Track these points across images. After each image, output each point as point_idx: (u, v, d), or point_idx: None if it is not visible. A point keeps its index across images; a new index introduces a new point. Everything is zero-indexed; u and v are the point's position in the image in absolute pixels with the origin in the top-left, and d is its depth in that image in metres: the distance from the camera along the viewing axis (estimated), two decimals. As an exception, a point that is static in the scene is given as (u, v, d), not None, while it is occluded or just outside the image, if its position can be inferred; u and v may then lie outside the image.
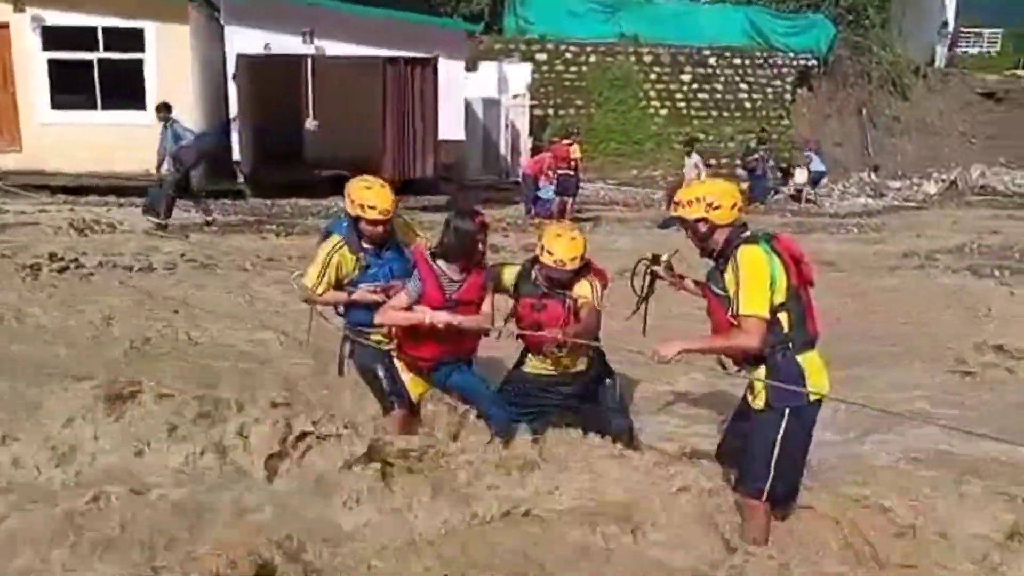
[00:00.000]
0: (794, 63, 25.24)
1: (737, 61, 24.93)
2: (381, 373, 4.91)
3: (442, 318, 4.51)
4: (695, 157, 18.03)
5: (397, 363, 4.93)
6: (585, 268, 4.69)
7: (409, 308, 4.61)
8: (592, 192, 20.80)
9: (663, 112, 24.57)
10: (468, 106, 19.51)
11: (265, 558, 3.58)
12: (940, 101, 26.68)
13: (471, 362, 5.00)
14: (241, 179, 17.83)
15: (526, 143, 21.74)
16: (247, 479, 4.49)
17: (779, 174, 22.28)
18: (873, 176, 24.22)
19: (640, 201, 20.28)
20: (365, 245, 4.80)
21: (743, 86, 24.93)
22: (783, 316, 3.75)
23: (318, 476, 4.47)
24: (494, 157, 21.68)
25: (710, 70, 24.83)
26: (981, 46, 30.79)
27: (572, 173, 16.88)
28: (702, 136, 24.41)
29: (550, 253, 4.53)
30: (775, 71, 25.12)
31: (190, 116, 17.06)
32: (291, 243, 12.93)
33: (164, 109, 13.71)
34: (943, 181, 23.87)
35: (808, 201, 20.76)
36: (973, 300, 10.22)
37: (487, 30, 23.67)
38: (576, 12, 24.56)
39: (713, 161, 23.99)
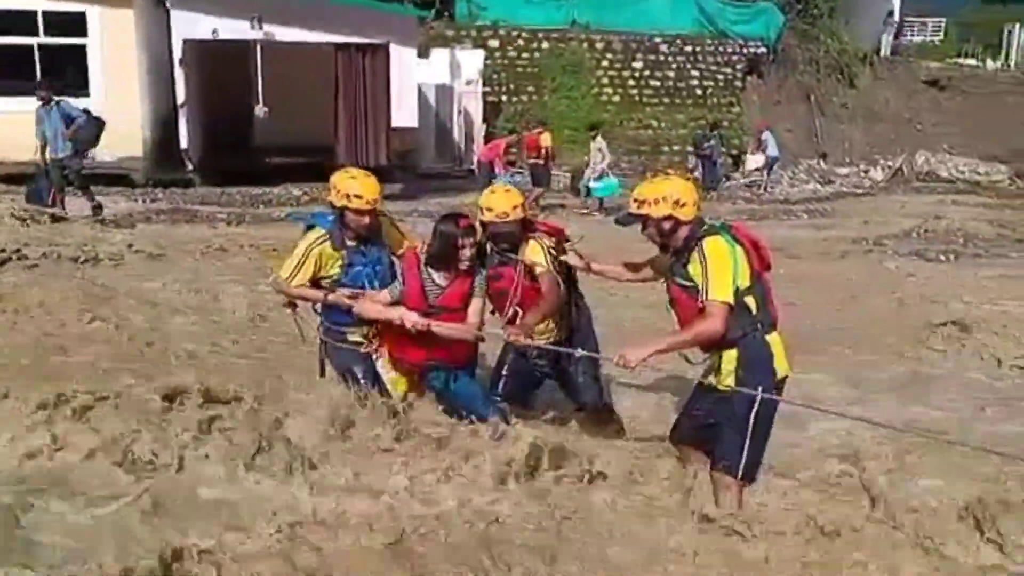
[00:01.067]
0: (744, 51, 25.47)
1: (688, 48, 25.09)
2: (360, 374, 4.80)
3: (415, 320, 4.43)
4: (600, 141, 17.85)
5: (379, 362, 4.83)
6: (530, 227, 4.77)
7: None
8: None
9: (615, 99, 24.64)
10: (421, 93, 19.37)
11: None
12: (886, 89, 27.12)
13: (472, 370, 4.85)
14: (190, 167, 17.51)
15: (480, 130, 21.67)
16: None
17: (730, 161, 22.51)
18: (822, 163, 24.58)
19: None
20: (349, 242, 4.67)
21: (694, 73, 25.09)
22: (750, 300, 3.88)
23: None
24: (448, 144, 21.57)
25: (662, 57, 24.95)
26: (925, 35, 31.39)
27: (543, 162, 17.01)
28: (654, 123, 24.61)
29: (489, 210, 4.60)
30: (725, 58, 25.33)
31: (136, 103, 16.73)
32: (242, 231, 12.75)
33: (45, 89, 12.82)
34: (889, 168, 24.29)
35: (764, 189, 20.97)
36: (920, 283, 10.44)
37: (438, 16, 23.53)
38: (528, -3, 24.53)
39: (666, 148, 24.24)
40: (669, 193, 3.94)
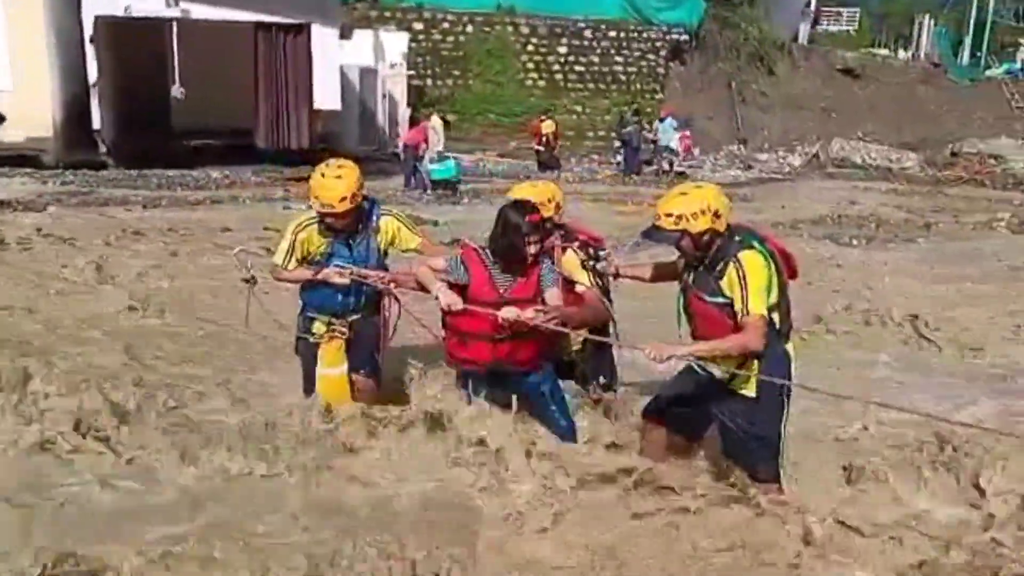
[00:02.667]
0: (667, 37, 25.80)
1: (612, 34, 25.30)
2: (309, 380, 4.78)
3: (451, 299, 4.12)
4: (435, 120, 17.48)
5: (321, 360, 4.68)
6: (569, 235, 4.56)
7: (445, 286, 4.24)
8: (471, 164, 20.74)
9: (541, 84, 24.74)
10: (344, 75, 19.10)
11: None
12: (803, 77, 27.82)
13: (549, 373, 4.43)
14: (103, 149, 16.95)
15: (404, 113, 21.50)
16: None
17: (652, 146, 22.75)
18: (742, 149, 25.08)
19: (520, 173, 20.33)
20: (333, 233, 4.50)
21: (618, 59, 25.32)
22: (776, 312, 3.82)
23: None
24: (371, 128, 21.34)
25: (586, 42, 25.12)
26: (840, 24, 32.22)
27: (543, 149, 17.12)
28: (579, 109, 24.77)
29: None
30: (649, 45, 25.62)
31: (46, 82, 16.12)
32: (159, 215, 12.40)
33: None
34: (806, 154, 24.93)
35: (679, 173, 21.14)
36: (831, 267, 10.73)
37: (361, -3, 23.27)
38: (454, -19, 24.39)
39: (591, 133, 24.42)
40: (707, 205, 3.74)
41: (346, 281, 4.46)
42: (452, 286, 4.19)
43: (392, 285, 4.54)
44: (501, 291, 4.15)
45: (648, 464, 4.26)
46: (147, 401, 4.94)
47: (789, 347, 3.94)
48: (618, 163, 21.20)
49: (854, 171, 23.68)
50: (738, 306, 3.70)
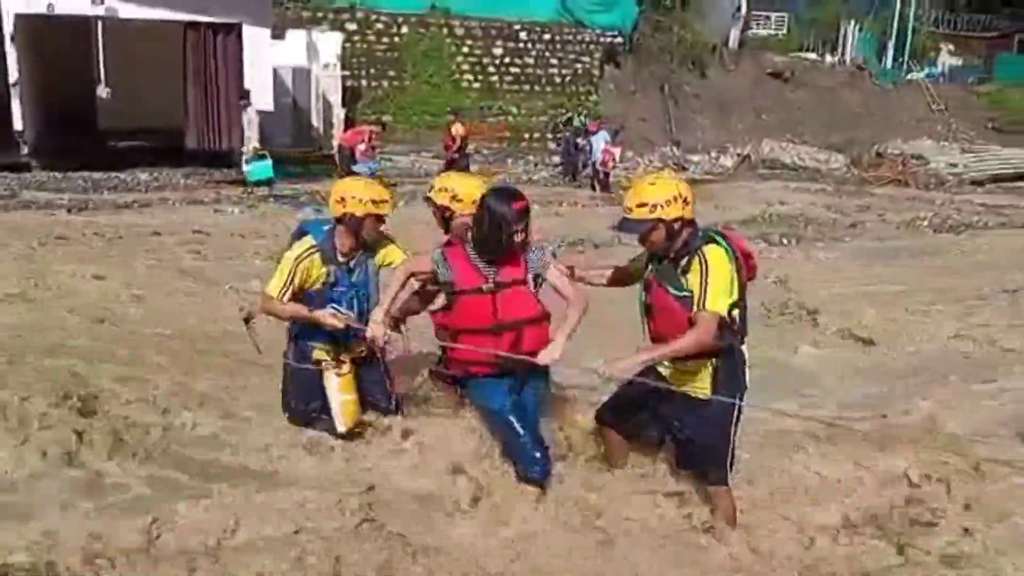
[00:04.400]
0: (601, 40, 26.01)
1: (547, 36, 25.41)
2: (311, 407, 4.63)
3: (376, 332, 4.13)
4: (251, 113, 16.79)
5: (332, 383, 4.51)
6: None
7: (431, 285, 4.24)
8: (407, 165, 20.65)
9: (476, 85, 24.72)
10: (276, 76, 18.83)
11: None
12: (735, 79, 28.29)
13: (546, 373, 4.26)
14: (25, 150, 16.43)
15: (339, 114, 21.29)
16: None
17: (586, 149, 22.88)
18: (676, 150, 25.40)
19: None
20: (340, 256, 4.38)
21: (553, 61, 25.46)
22: (736, 311, 3.78)
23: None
24: (306, 129, 21.08)
25: (521, 44, 25.18)
26: (770, 28, 32.86)
27: (456, 151, 17.10)
28: (514, 111, 24.81)
29: (458, 200, 4.38)
30: (583, 47, 25.80)
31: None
32: (85, 220, 12.07)
33: None
34: (738, 155, 25.38)
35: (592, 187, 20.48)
36: (765, 266, 10.95)
37: (294, -4, 22.97)
38: (387, -19, 24.21)
39: (527, 135, 24.51)
40: (678, 192, 3.73)
41: (340, 325, 4.29)
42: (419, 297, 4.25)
43: (385, 339, 4.31)
44: (488, 277, 3.97)
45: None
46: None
47: (744, 348, 3.92)
48: (555, 164, 21.30)
49: (784, 172, 24.20)
50: (696, 302, 3.65)
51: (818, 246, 12.74)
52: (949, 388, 6.23)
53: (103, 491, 4.04)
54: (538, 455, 4.12)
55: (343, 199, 4.31)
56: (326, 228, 4.44)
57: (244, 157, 16.20)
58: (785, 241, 12.89)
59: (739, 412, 3.88)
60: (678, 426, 4.00)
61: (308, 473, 4.32)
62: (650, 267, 3.93)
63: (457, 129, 17.42)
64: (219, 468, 4.36)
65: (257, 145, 16.25)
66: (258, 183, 15.71)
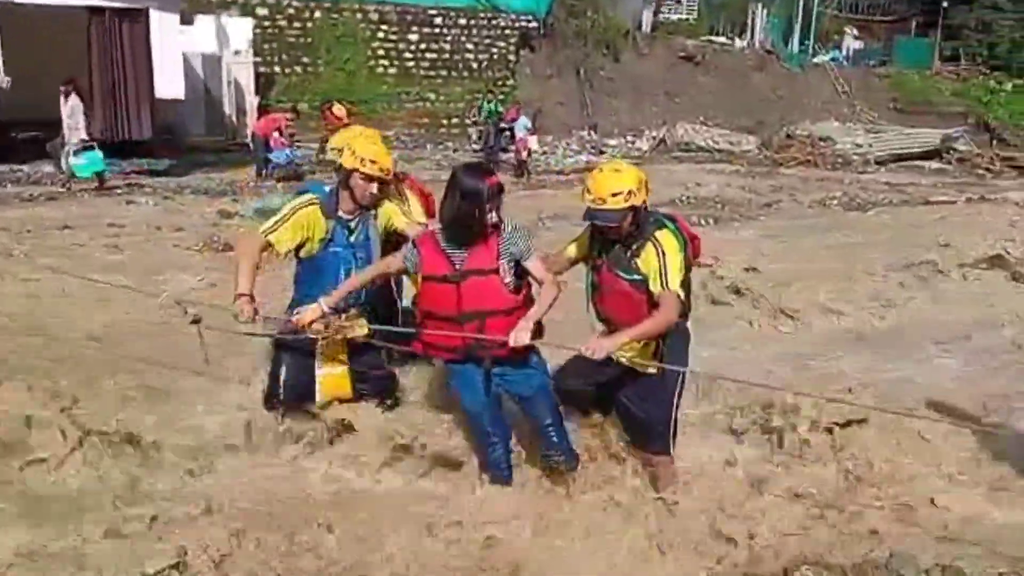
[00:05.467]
0: (516, 24, 26.04)
1: (462, 21, 25.32)
2: (286, 360, 4.45)
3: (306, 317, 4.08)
4: (73, 100, 15.02)
5: (319, 358, 4.40)
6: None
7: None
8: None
9: (392, 71, 24.49)
10: (186, 62, 18.31)
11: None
12: (648, 63, 28.67)
13: (536, 365, 4.06)
14: (-85, 142, 15.63)
15: (252, 102, 20.82)
16: None
17: (507, 134, 22.93)
18: (593, 134, 25.65)
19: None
20: (341, 213, 4.25)
21: (469, 46, 25.39)
22: (684, 290, 3.91)
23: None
24: (218, 117, 20.56)
25: (437, 30, 25.03)
26: (681, 13, 33.37)
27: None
28: (432, 97, 24.67)
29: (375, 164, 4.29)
30: (499, 32, 25.80)
31: None
32: (-12, 214, 11.57)
33: None
34: (653, 138, 25.77)
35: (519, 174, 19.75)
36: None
37: (202, -19, 22.31)
38: (297, -35, 23.73)
39: (445, 121, 24.41)
40: (642, 178, 3.84)
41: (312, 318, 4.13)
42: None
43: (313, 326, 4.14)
44: (456, 265, 3.82)
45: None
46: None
47: (688, 325, 4.08)
48: (475, 151, 21.27)
49: (698, 154, 24.68)
50: (656, 282, 3.76)
51: (735, 225, 13.07)
52: (864, 358, 6.51)
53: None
54: (501, 452, 4.13)
55: (341, 149, 4.34)
56: (328, 188, 4.39)
57: (67, 149, 14.59)
58: (704, 222, 13.16)
59: (683, 385, 4.03)
60: (626, 398, 4.14)
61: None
62: (598, 251, 4.01)
63: (339, 110, 16.56)
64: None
65: (85, 136, 14.68)
66: (87, 177, 14.29)
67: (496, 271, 3.81)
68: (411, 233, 4.27)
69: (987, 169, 24.09)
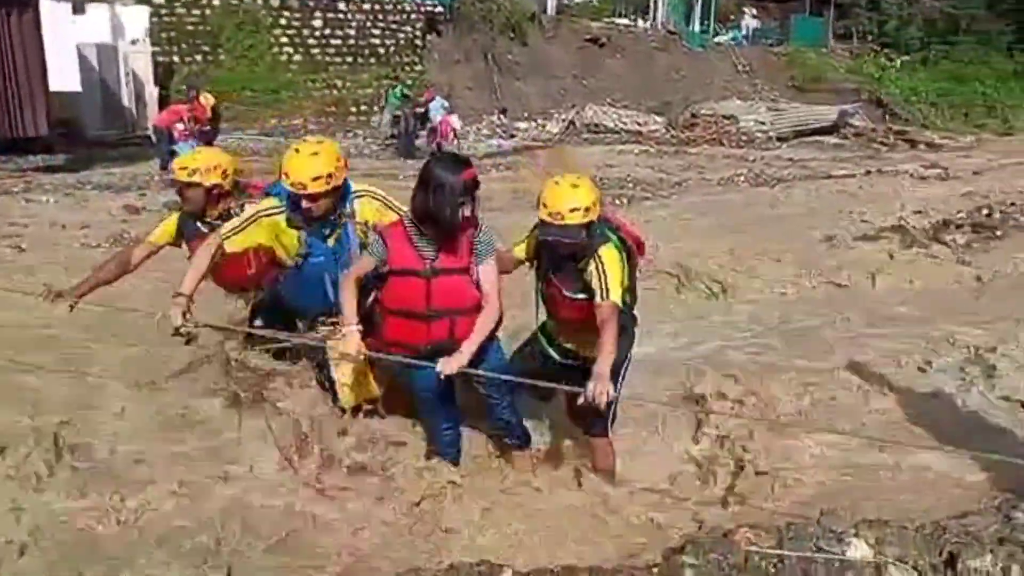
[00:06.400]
0: (422, 9, 25.90)
1: (367, 7, 25.04)
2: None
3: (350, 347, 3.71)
4: None
5: (331, 360, 4.14)
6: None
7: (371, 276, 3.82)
8: (232, 143, 19.86)
9: (297, 59, 24.07)
10: (80, 54, 17.64)
11: None
12: (555, 46, 28.87)
13: (492, 351, 3.97)
14: None
15: (152, 93, 20.20)
16: None
17: (418, 121, 22.80)
18: (502, 118, 25.70)
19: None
20: (308, 224, 3.98)
21: (375, 32, 25.13)
22: (628, 294, 3.97)
23: None
24: (117, 109, 19.87)
25: (341, 16, 24.70)
26: (585, -5, 33.62)
27: (210, 127, 16.00)
28: (339, 83, 24.33)
29: (297, 181, 3.88)
30: (404, 17, 25.61)
31: None
32: None
33: None
34: (563, 121, 25.99)
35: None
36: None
37: (92, -32, 21.47)
38: (193, -49, 23.06)
39: (354, 108, 24.10)
40: (598, 194, 3.80)
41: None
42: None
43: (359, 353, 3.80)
44: (427, 261, 3.69)
45: None
46: None
47: (636, 314, 4.18)
48: (388, 138, 20.97)
49: (607, 135, 24.99)
50: (598, 294, 3.75)
51: (648, 204, 13.31)
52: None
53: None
54: (452, 435, 4.10)
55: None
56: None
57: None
58: (618, 202, 13.36)
59: (625, 372, 4.10)
60: (569, 384, 4.12)
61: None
62: (547, 266, 3.99)
63: (207, 99, 16.14)
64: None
65: None
66: None
67: (467, 270, 3.74)
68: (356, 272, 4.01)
69: (882, 143, 25.10)
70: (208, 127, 16.10)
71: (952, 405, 5.17)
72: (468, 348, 3.71)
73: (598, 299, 3.75)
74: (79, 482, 3.83)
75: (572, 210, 3.69)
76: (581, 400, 3.51)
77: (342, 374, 4.11)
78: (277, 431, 4.12)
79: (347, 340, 3.70)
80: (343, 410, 4.15)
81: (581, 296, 3.86)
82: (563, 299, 3.96)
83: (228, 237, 4.06)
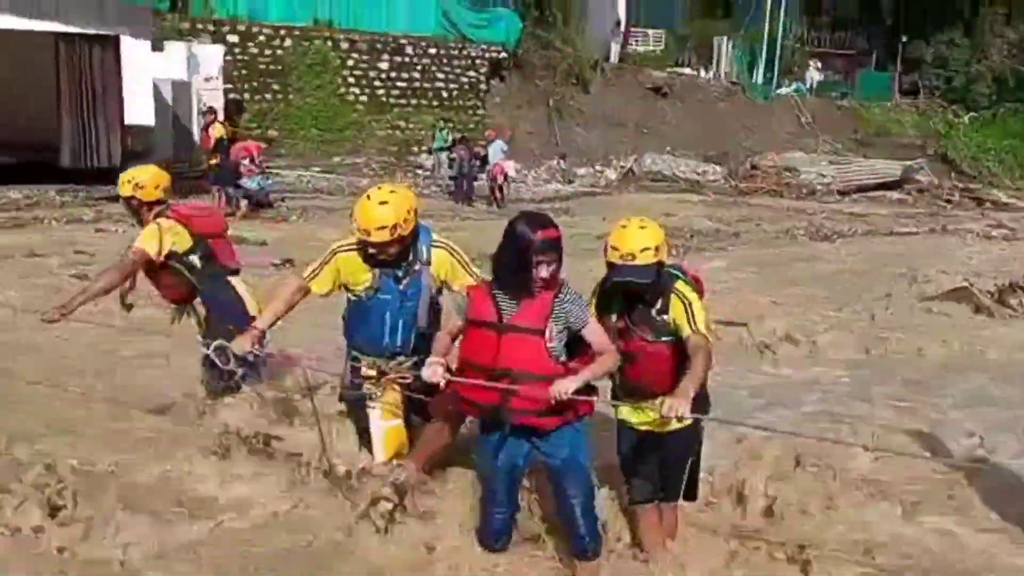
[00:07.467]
0: (486, 54, 26.29)
1: (433, 51, 25.50)
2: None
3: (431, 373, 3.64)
4: None
5: (374, 410, 4.17)
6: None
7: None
8: (295, 180, 20.32)
9: (363, 99, 24.56)
10: (156, 88, 18.24)
11: None
12: (616, 94, 29.02)
13: (578, 435, 3.70)
14: None
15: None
16: None
17: (477, 163, 23.05)
18: (562, 163, 25.87)
19: (345, 188, 20.10)
20: (375, 263, 4.00)
21: (439, 75, 25.56)
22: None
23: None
24: (187, 143, 20.43)
25: (407, 58, 25.17)
26: (648, 44, 33.85)
27: (218, 160, 15.98)
28: (402, 124, 24.76)
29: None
30: (469, 61, 26.01)
31: None
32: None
33: None
34: (622, 168, 26.06)
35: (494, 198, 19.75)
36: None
37: (172, 7, 22.29)
38: (268, -8, 23.80)
39: (416, 149, 24.49)
40: (663, 232, 3.70)
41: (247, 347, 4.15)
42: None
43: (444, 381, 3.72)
44: (503, 314, 3.56)
45: None
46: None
47: None
48: (450, 179, 21.14)
49: (665, 183, 24.98)
50: (686, 327, 3.62)
51: (706, 255, 13.23)
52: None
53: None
54: (495, 528, 3.84)
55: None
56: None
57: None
58: (674, 253, 13.28)
59: (702, 434, 3.94)
60: (654, 460, 3.92)
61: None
62: (616, 314, 3.81)
63: (217, 129, 16.22)
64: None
65: None
66: None
67: (542, 332, 3.54)
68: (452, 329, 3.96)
69: (947, 200, 24.67)
70: (214, 159, 16.14)
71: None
72: (583, 376, 3.54)
73: (687, 332, 3.62)
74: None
75: (643, 250, 3.58)
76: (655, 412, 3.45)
77: (380, 431, 4.11)
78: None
79: (430, 368, 3.65)
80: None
81: (666, 339, 3.71)
82: (645, 348, 3.73)
83: (313, 277, 4.12)
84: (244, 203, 15.71)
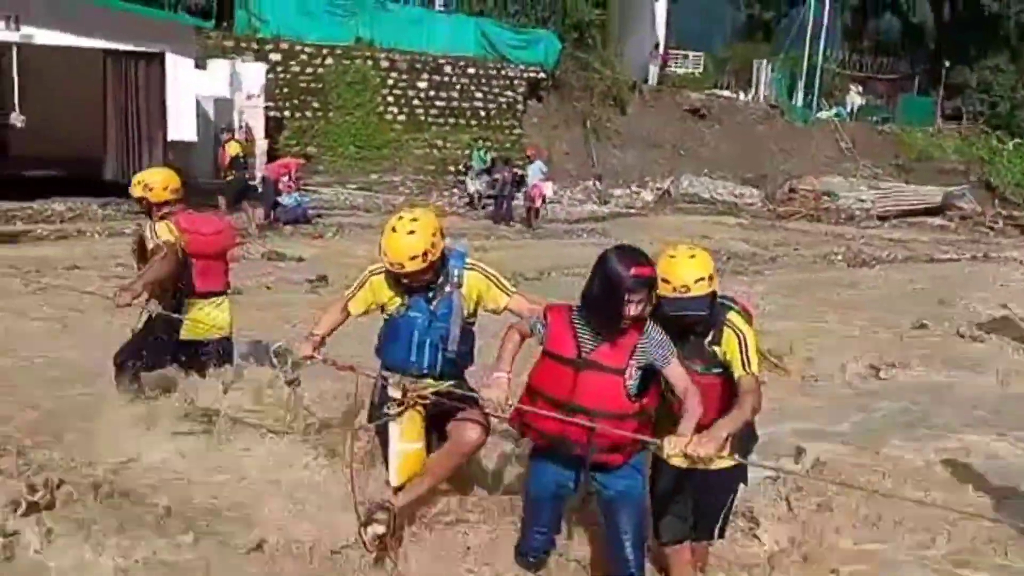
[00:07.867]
0: (524, 75, 26.41)
1: (471, 71, 25.66)
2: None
3: (495, 395, 3.53)
4: None
5: (394, 429, 4.04)
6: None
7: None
8: (332, 197, 20.51)
9: (401, 118, 24.75)
10: (199, 106, 18.54)
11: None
12: (654, 116, 29.00)
13: (627, 469, 3.60)
14: (-72, 178, 15.76)
15: (262, 145, 21.02)
16: None
17: (516, 186, 23.09)
18: (598, 184, 25.87)
19: (382, 206, 20.26)
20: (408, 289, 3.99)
21: (478, 95, 25.70)
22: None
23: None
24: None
25: (446, 78, 25.35)
26: (687, 67, 33.85)
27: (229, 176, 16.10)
28: (440, 143, 24.92)
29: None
30: (507, 82, 26.14)
31: None
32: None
33: None
34: (658, 189, 26.00)
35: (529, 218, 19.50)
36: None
37: (217, 26, 22.66)
38: (311, 12, 24.05)
39: (452, 168, 24.62)
40: (712, 263, 3.55)
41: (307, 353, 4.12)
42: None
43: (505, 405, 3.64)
44: (582, 348, 3.45)
45: None
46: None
47: None
48: (477, 198, 21.24)
49: (702, 205, 24.86)
50: (739, 367, 3.48)
51: (742, 279, 13.12)
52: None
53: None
54: (534, 546, 3.81)
55: None
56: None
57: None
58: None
59: (743, 477, 3.83)
60: (685, 498, 3.82)
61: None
62: None
63: (234, 148, 16.26)
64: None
65: None
66: None
67: (623, 372, 3.42)
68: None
69: (990, 227, 24.30)
70: (230, 176, 16.17)
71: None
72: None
73: (739, 372, 3.47)
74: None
75: (698, 281, 3.43)
76: (677, 448, 3.23)
77: (397, 453, 4.06)
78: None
79: (494, 384, 3.55)
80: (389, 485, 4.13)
81: (716, 371, 3.56)
82: (700, 381, 3.52)
83: (351, 298, 4.14)
84: (259, 213, 15.88)
